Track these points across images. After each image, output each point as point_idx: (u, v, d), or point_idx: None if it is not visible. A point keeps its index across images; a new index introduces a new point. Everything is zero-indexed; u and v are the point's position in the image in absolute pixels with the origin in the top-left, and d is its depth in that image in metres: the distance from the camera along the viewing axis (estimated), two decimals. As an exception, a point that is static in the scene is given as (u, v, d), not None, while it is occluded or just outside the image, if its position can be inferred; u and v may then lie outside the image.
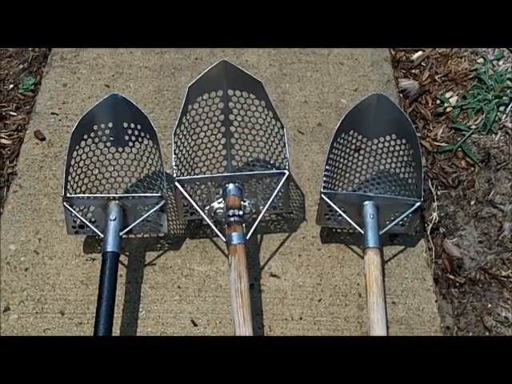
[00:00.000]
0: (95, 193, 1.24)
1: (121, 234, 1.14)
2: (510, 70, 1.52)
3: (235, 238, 1.12)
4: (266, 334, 1.14)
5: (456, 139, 1.43)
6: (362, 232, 1.16)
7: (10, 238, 1.25)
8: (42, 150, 1.38)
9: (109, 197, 1.17)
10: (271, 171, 1.24)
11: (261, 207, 1.21)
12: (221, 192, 1.20)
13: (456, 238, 1.29)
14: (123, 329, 1.14)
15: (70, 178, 1.18)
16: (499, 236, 1.28)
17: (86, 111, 1.20)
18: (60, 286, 1.19)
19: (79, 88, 1.49)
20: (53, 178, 1.33)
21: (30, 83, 1.52)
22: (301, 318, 1.16)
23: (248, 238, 1.15)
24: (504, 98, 1.46)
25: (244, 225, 1.16)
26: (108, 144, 1.23)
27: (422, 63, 1.59)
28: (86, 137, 1.20)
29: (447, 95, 1.51)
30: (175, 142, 1.19)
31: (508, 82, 1.49)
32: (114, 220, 1.14)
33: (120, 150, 1.25)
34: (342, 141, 1.23)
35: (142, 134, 1.22)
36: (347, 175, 1.27)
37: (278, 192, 1.19)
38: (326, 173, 1.19)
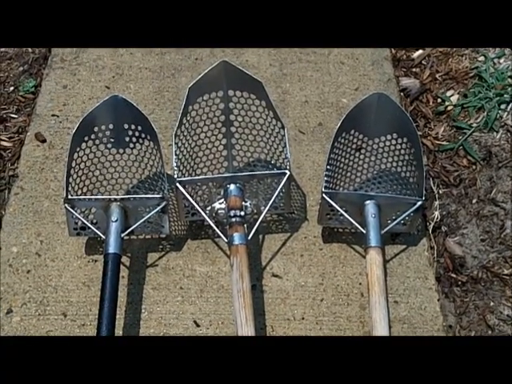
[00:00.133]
0: (96, 194, 1.24)
1: (122, 235, 1.14)
2: (511, 67, 1.51)
3: (237, 238, 1.12)
4: (268, 335, 1.14)
5: (457, 138, 1.43)
6: (364, 231, 1.16)
7: (11, 241, 1.25)
8: (43, 151, 1.38)
9: (110, 198, 1.17)
10: (272, 171, 1.24)
11: (262, 207, 1.21)
12: (222, 193, 1.20)
13: (458, 236, 1.29)
14: (126, 330, 1.14)
15: (71, 179, 1.18)
16: (501, 234, 1.28)
17: (86, 113, 1.20)
18: (62, 288, 1.19)
19: (79, 89, 1.49)
20: (54, 180, 1.33)
21: (31, 85, 1.52)
22: (303, 318, 1.16)
23: (250, 238, 1.15)
24: (505, 95, 1.46)
25: (245, 225, 1.15)
26: (109, 145, 1.23)
27: (423, 62, 1.59)
28: (86, 138, 1.20)
29: (448, 94, 1.51)
30: (176, 143, 1.19)
31: (509, 80, 1.49)
32: (116, 221, 1.14)
33: (121, 151, 1.25)
34: (342, 140, 1.23)
35: (143, 135, 1.22)
36: (348, 175, 1.27)
37: (279, 192, 1.19)
38: (327, 172, 1.19)
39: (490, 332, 1.17)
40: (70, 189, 1.17)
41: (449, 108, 1.49)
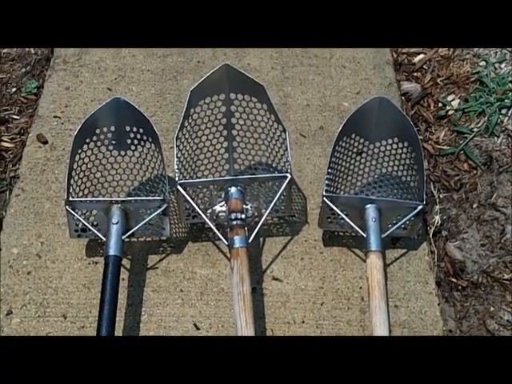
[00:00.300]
0: (97, 196, 1.24)
1: (123, 237, 1.14)
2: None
3: (237, 241, 1.12)
4: (268, 338, 1.14)
5: (458, 142, 1.43)
6: (365, 235, 1.16)
7: (12, 242, 1.25)
8: (45, 153, 1.38)
9: (111, 200, 1.17)
10: (273, 174, 1.24)
11: (263, 210, 1.21)
12: (223, 195, 1.20)
13: (458, 241, 1.29)
14: (125, 332, 1.14)
15: (72, 181, 1.18)
16: (501, 239, 1.28)
17: (88, 115, 1.20)
18: (62, 290, 1.19)
19: (82, 91, 1.49)
20: (55, 182, 1.33)
21: (33, 86, 1.52)
22: (303, 322, 1.16)
23: (250, 241, 1.15)
24: (506, 100, 1.46)
25: (246, 228, 1.16)
26: (110, 147, 1.23)
27: (424, 66, 1.59)
28: (88, 140, 1.20)
29: (449, 98, 1.51)
30: (177, 146, 1.19)
31: (510, 85, 1.49)
32: (117, 223, 1.14)
33: (122, 153, 1.25)
34: (344, 144, 1.23)
35: (145, 138, 1.23)
36: (349, 178, 1.27)
37: (280, 195, 1.19)
38: (328, 176, 1.19)
39: (489, 337, 1.17)
40: (71, 190, 1.17)
41: (450, 112, 1.49)
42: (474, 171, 1.38)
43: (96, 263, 1.22)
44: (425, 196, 1.19)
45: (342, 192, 1.26)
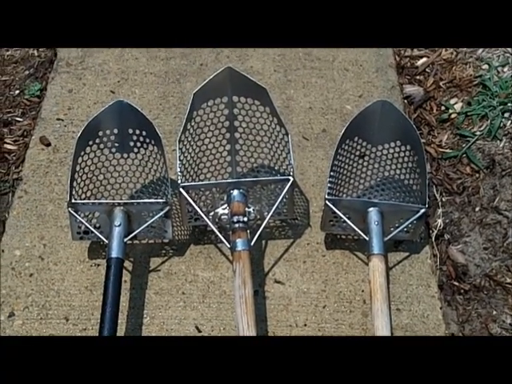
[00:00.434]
0: (100, 199, 1.24)
1: (125, 239, 1.15)
2: (514, 76, 1.52)
3: (240, 244, 1.12)
4: (270, 341, 1.14)
5: (461, 145, 1.43)
6: (367, 238, 1.16)
7: (14, 244, 1.25)
8: (48, 155, 1.38)
9: (113, 203, 1.17)
10: (276, 177, 1.24)
11: (265, 213, 1.21)
12: (225, 198, 1.20)
13: (461, 244, 1.29)
14: (127, 335, 1.14)
15: (75, 183, 1.18)
16: (504, 243, 1.28)
17: (91, 117, 1.20)
18: (64, 292, 1.19)
19: (85, 94, 1.50)
20: (58, 184, 1.34)
21: (36, 89, 1.52)
22: (305, 325, 1.16)
23: (252, 244, 1.14)
24: (509, 104, 1.46)
25: (248, 231, 1.16)
26: (113, 150, 1.24)
27: (427, 69, 1.59)
28: (91, 143, 1.21)
29: (452, 101, 1.51)
30: (180, 149, 1.19)
31: (513, 89, 1.49)
32: (119, 226, 1.14)
33: (125, 155, 1.25)
34: (346, 147, 1.23)
35: (147, 140, 1.23)
36: (352, 181, 1.27)
37: (282, 198, 1.19)
38: (330, 179, 1.19)
39: (492, 341, 1.17)
40: (73, 193, 1.17)
41: (452, 116, 1.49)
42: (477, 175, 1.38)
43: (98, 265, 1.22)
44: (427, 199, 1.19)
45: (344, 195, 1.26)
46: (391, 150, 1.25)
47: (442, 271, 1.25)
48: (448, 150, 1.43)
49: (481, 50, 1.60)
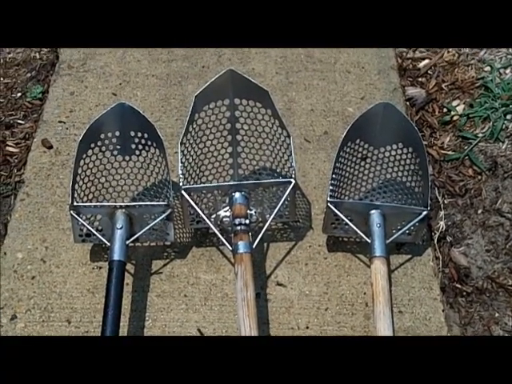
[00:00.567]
0: (102, 201, 1.24)
1: (127, 242, 1.15)
2: (517, 78, 1.52)
3: (241, 246, 1.12)
4: (272, 343, 1.14)
5: (463, 147, 1.43)
6: (369, 241, 1.16)
7: (17, 246, 1.25)
8: (50, 158, 1.39)
9: (115, 205, 1.17)
10: (278, 180, 1.24)
11: (267, 216, 1.21)
12: (227, 200, 1.20)
13: (463, 246, 1.29)
14: (129, 337, 1.14)
15: (77, 186, 1.19)
16: (506, 245, 1.28)
17: (93, 120, 1.20)
18: (67, 295, 1.19)
19: (86, 96, 1.50)
20: (60, 187, 1.34)
21: (38, 91, 1.52)
22: (307, 327, 1.16)
23: (254, 246, 1.14)
24: (511, 106, 1.46)
25: (250, 233, 1.16)
26: (115, 152, 1.24)
27: (429, 71, 1.59)
28: (93, 145, 1.21)
29: (454, 103, 1.51)
30: (182, 151, 1.19)
31: (515, 91, 1.49)
32: (121, 228, 1.14)
33: (127, 158, 1.25)
34: (348, 149, 1.23)
35: (149, 143, 1.23)
36: (354, 184, 1.27)
37: (284, 200, 1.19)
38: (332, 181, 1.19)
39: (494, 343, 1.16)
40: (75, 195, 1.18)
41: (455, 118, 1.49)
42: (479, 177, 1.38)
43: (100, 268, 1.22)
44: (429, 201, 1.19)
45: (346, 197, 1.26)
46: (393, 152, 1.25)
47: (445, 273, 1.25)
48: (450, 152, 1.43)
49: (483, 51, 1.60)
